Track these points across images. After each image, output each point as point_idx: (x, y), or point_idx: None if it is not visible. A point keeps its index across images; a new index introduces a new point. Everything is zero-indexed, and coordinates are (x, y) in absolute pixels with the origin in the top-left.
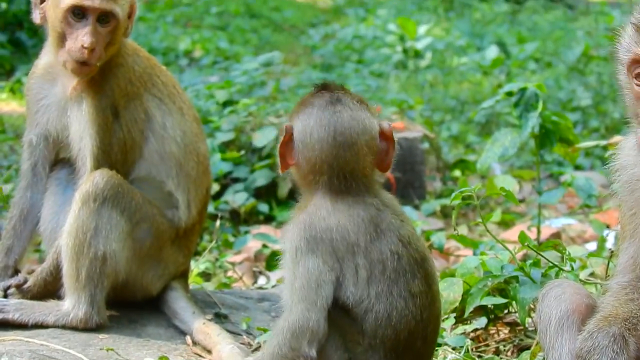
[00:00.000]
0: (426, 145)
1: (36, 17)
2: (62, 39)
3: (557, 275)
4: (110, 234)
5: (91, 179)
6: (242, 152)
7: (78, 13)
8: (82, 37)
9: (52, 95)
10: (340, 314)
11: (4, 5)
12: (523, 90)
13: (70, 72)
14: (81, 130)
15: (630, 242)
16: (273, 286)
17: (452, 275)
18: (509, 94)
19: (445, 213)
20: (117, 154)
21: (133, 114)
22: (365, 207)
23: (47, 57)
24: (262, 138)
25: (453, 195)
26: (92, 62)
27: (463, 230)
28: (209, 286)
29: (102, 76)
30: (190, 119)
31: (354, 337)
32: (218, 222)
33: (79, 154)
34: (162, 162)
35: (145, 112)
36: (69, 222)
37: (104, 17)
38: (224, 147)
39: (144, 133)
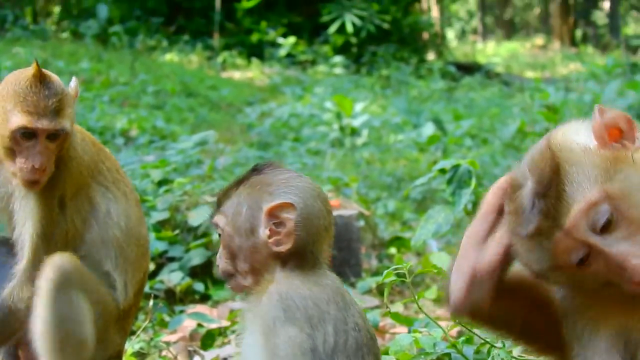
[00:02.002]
0: (362, 223)
1: None
2: (11, 154)
3: (489, 353)
4: (85, 318)
5: (54, 266)
6: (177, 231)
7: (27, 134)
8: (32, 157)
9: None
10: None
11: None
12: (456, 167)
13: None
14: (25, 217)
15: None
16: None
17: (386, 353)
18: (442, 171)
19: (380, 290)
20: (57, 242)
21: (78, 205)
22: (331, 278)
23: None
24: (198, 217)
25: (385, 273)
26: (43, 179)
27: (399, 307)
28: None
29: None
30: (133, 203)
31: None
32: (151, 302)
33: (19, 237)
34: (103, 245)
35: (90, 202)
36: (44, 315)
37: (54, 135)
38: (159, 226)
39: (88, 222)
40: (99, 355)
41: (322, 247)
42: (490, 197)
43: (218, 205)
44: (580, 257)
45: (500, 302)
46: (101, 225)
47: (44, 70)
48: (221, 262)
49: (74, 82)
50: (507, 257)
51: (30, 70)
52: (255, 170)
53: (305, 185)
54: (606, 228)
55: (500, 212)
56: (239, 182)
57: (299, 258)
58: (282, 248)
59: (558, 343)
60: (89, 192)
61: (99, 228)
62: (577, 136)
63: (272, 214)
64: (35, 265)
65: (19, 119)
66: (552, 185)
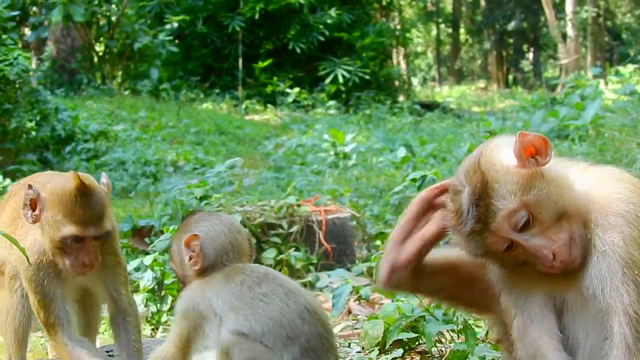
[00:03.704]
0: (354, 222)
1: (28, 217)
2: (61, 253)
3: (454, 314)
4: None
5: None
6: None
7: (76, 239)
8: (81, 256)
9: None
10: None
11: (33, 132)
12: (424, 177)
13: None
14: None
15: None
16: None
17: (375, 318)
18: (414, 180)
19: (370, 273)
20: None
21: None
22: (246, 273)
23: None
24: None
25: (373, 257)
26: (93, 267)
27: None
28: None
29: None
30: None
31: None
32: None
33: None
34: None
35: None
36: None
37: (100, 237)
38: None
39: None
40: None
41: (233, 256)
42: (414, 206)
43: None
44: (504, 248)
45: (423, 280)
46: None
47: (84, 181)
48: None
49: (104, 179)
50: (421, 254)
51: (72, 182)
52: (184, 218)
53: (210, 219)
54: (524, 227)
55: (418, 219)
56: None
57: (213, 269)
58: (197, 266)
59: (485, 307)
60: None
61: None
62: (502, 156)
63: (187, 244)
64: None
65: (68, 229)
66: (482, 198)
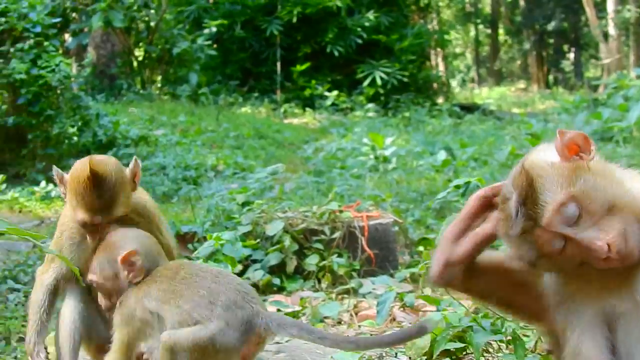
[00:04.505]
0: (396, 228)
1: (62, 193)
2: (84, 232)
3: (502, 324)
4: None
5: None
6: (258, 240)
7: (89, 224)
8: (95, 238)
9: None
10: None
11: (75, 138)
12: (467, 183)
13: None
14: None
15: None
16: (287, 341)
17: None
18: (457, 187)
19: (413, 279)
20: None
21: (164, 229)
22: (169, 270)
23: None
24: (272, 229)
25: (419, 266)
26: None
27: (428, 291)
28: None
29: (138, 219)
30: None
31: None
32: None
33: None
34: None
35: (162, 232)
36: None
37: (111, 221)
38: (244, 236)
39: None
40: None
41: (160, 261)
42: (470, 204)
43: (89, 270)
44: (558, 246)
45: (475, 280)
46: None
47: (96, 170)
48: (103, 302)
49: (132, 164)
50: (474, 253)
51: (86, 169)
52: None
53: (135, 233)
54: (574, 221)
55: (474, 217)
56: (99, 249)
57: (145, 276)
58: (138, 279)
59: (537, 316)
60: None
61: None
62: (545, 155)
63: (125, 261)
64: None
65: (80, 215)
66: (529, 195)
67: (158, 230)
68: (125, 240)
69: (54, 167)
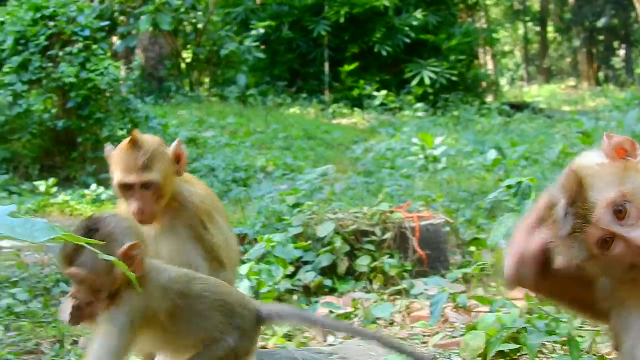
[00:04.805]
0: (447, 228)
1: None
2: (124, 202)
3: (557, 325)
4: None
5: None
6: (310, 242)
7: (126, 187)
8: (133, 203)
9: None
10: None
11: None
12: (519, 183)
13: None
14: (184, 242)
15: None
16: (340, 343)
17: (474, 328)
18: (509, 187)
19: (465, 279)
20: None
21: (214, 227)
22: (153, 268)
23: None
24: (324, 230)
25: (473, 268)
26: (147, 218)
27: (480, 292)
28: (291, 345)
29: (181, 207)
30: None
31: None
32: (295, 296)
33: (188, 264)
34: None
35: (217, 225)
36: None
37: (145, 185)
38: (295, 238)
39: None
40: None
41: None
42: (542, 199)
43: (69, 261)
44: (607, 246)
45: (548, 280)
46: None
47: (138, 136)
48: (80, 298)
49: (175, 144)
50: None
51: (128, 139)
52: (92, 229)
53: (128, 224)
54: (624, 219)
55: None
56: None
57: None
58: (138, 274)
59: (603, 315)
60: (215, 222)
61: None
62: (592, 158)
63: (126, 255)
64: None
65: (116, 177)
66: (579, 194)
67: (202, 226)
68: (124, 232)
69: (106, 145)
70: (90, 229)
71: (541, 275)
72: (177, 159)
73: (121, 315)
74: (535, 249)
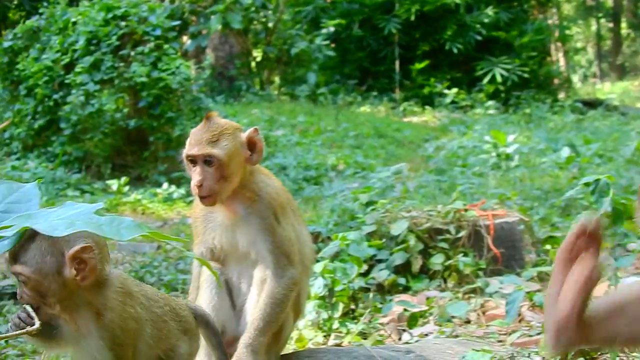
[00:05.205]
0: (522, 226)
1: None
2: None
3: None
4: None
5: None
6: (383, 240)
7: (191, 160)
8: (195, 177)
9: (216, 219)
10: None
11: None
12: (597, 181)
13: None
14: (255, 238)
15: None
16: (416, 341)
17: None
18: (587, 184)
19: (540, 278)
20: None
21: (286, 220)
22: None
23: None
24: (397, 228)
25: (552, 266)
26: (205, 193)
27: None
28: (367, 343)
29: (255, 198)
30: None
31: None
32: (371, 295)
33: (257, 255)
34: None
35: (289, 219)
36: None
37: (209, 160)
38: (368, 236)
39: (293, 232)
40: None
41: (107, 267)
42: (557, 261)
43: (15, 258)
44: None
45: (593, 330)
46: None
47: (213, 114)
48: (25, 299)
49: (250, 130)
50: (582, 305)
51: None
52: None
53: None
54: None
55: (566, 273)
56: (33, 237)
57: (96, 279)
58: (87, 282)
59: None
60: (288, 215)
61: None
62: None
63: (76, 257)
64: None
65: (185, 148)
66: None
67: (274, 218)
68: (79, 233)
69: None
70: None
71: (585, 329)
72: (251, 146)
73: (91, 339)
74: (570, 312)
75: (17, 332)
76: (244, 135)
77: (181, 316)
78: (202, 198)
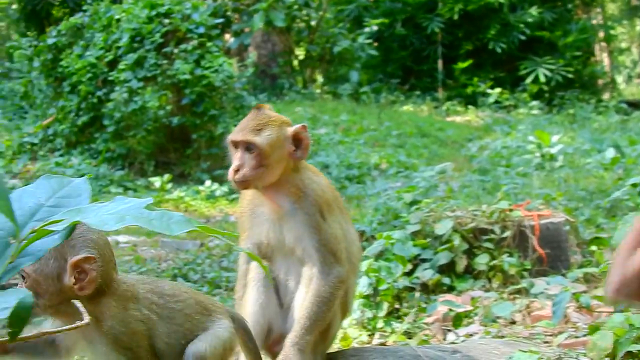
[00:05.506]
0: (567, 227)
1: None
2: None
3: None
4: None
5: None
6: (427, 239)
7: (234, 145)
8: (234, 162)
9: (263, 215)
10: None
11: None
12: None
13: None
14: (301, 234)
15: None
16: (462, 341)
17: (597, 328)
18: (634, 185)
19: (586, 279)
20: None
21: (333, 218)
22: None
23: None
24: (442, 228)
25: (601, 267)
26: (239, 178)
27: (602, 292)
28: (412, 343)
29: (301, 194)
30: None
31: None
32: (419, 294)
33: (303, 252)
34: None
35: (336, 217)
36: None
37: (249, 147)
38: (413, 235)
39: (340, 229)
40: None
41: (112, 276)
42: (636, 223)
43: None
44: None
45: None
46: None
47: (264, 106)
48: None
49: (297, 125)
50: None
51: None
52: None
53: (98, 237)
54: None
55: None
56: None
57: (96, 289)
58: (84, 293)
59: None
60: (335, 214)
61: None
62: None
63: (77, 265)
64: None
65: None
66: None
67: (320, 214)
68: (84, 241)
69: None
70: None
71: None
72: (297, 141)
73: (96, 345)
74: (635, 269)
75: (66, 327)
76: (290, 130)
77: (210, 310)
78: (235, 182)
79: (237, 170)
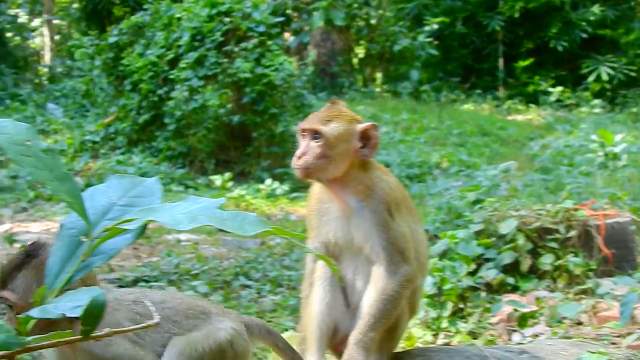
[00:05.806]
0: (634, 227)
1: None
2: None
3: None
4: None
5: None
6: (491, 239)
7: (303, 133)
8: (299, 149)
9: (330, 213)
10: None
11: None
12: None
13: None
14: (369, 232)
15: None
16: (529, 341)
17: None
18: None
19: None
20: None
21: (401, 217)
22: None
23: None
24: (506, 227)
25: None
26: (301, 165)
27: None
28: (477, 343)
29: (369, 192)
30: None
31: None
32: (483, 294)
33: (371, 251)
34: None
35: (403, 216)
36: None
37: (316, 136)
38: (477, 235)
39: (408, 228)
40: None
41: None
42: None
43: (3, 284)
44: None
45: None
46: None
47: (339, 102)
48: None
49: (367, 123)
50: None
51: None
52: (31, 254)
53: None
54: None
55: None
56: (21, 266)
57: None
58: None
59: None
60: (403, 214)
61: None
62: None
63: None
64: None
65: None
66: None
67: (388, 213)
68: None
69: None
70: (29, 255)
71: None
72: (365, 139)
73: None
74: None
75: (136, 326)
76: (359, 127)
77: (208, 313)
78: (297, 169)
79: (300, 157)
